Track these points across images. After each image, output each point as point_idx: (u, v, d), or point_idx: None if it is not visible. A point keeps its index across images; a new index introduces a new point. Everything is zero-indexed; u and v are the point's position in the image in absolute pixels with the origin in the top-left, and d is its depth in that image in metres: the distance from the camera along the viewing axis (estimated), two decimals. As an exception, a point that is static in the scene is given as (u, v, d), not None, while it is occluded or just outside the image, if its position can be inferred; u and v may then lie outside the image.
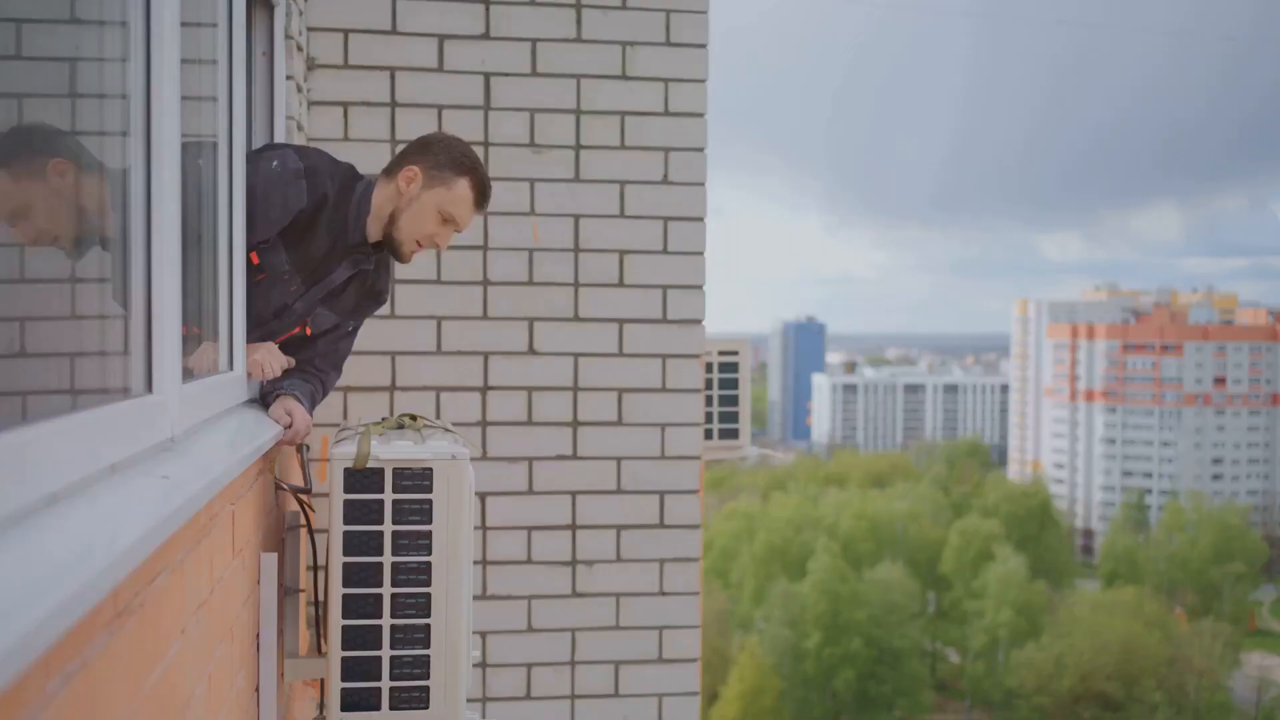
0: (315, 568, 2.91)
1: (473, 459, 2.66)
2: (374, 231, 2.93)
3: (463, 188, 2.91)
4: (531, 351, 4.13)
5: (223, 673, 2.06)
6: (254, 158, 2.80)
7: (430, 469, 2.53)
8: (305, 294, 2.90)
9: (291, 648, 2.80)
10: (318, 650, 2.88)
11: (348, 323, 3.06)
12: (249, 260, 2.75)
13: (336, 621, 2.53)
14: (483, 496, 4.07)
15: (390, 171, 2.96)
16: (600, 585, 4.17)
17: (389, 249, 2.96)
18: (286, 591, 2.76)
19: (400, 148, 4.01)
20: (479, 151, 4.07)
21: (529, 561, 4.12)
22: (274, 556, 2.56)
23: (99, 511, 1.29)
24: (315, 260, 2.89)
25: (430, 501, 2.53)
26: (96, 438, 1.42)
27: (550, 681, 4.15)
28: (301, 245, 2.85)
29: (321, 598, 2.74)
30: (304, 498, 2.88)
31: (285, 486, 2.89)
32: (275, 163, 2.78)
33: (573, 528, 4.15)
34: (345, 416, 3.93)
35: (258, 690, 2.52)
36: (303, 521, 2.87)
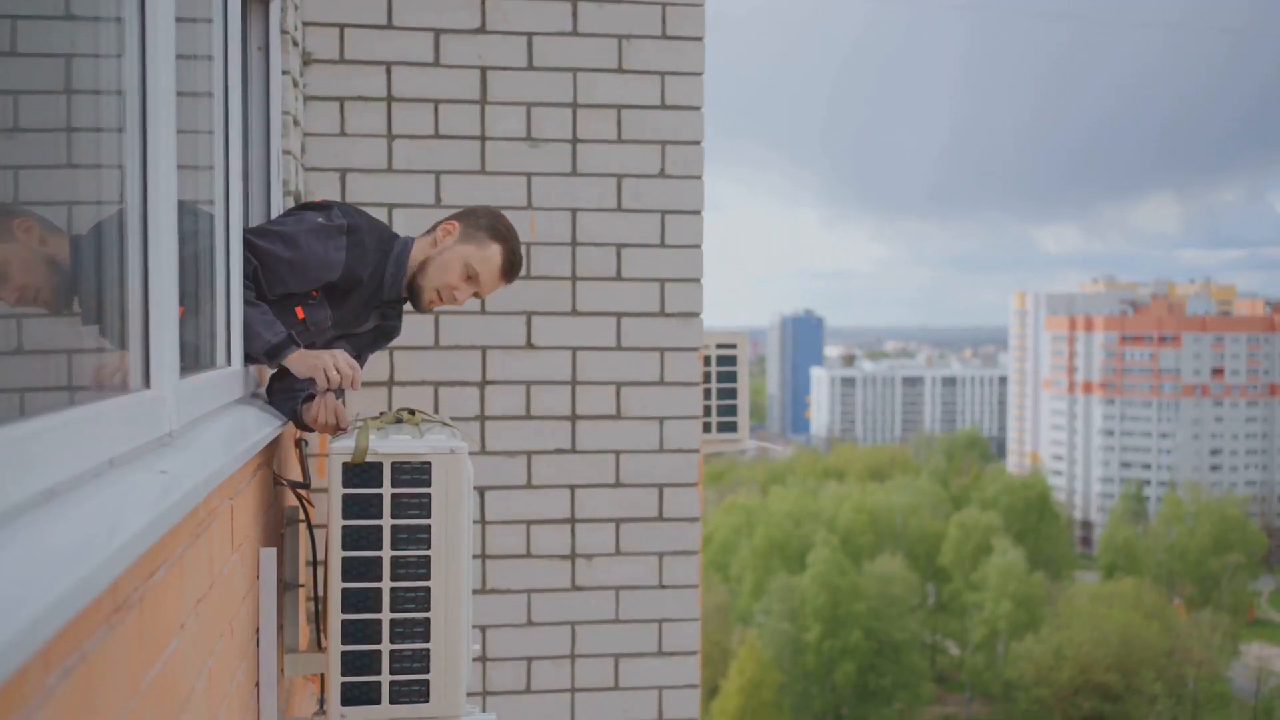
0: (315, 563, 2.91)
1: (471, 453, 2.66)
2: (405, 286, 3.05)
3: (494, 251, 3.02)
4: (529, 346, 4.13)
5: (222, 668, 2.06)
6: (299, 210, 2.94)
7: (429, 463, 2.53)
8: (332, 337, 3.05)
9: (291, 643, 2.81)
10: (318, 645, 2.88)
11: (364, 354, 3.21)
12: (294, 315, 2.86)
13: (336, 616, 2.53)
14: (482, 491, 4.07)
15: (430, 230, 3.09)
16: (599, 579, 4.18)
17: (410, 296, 3.06)
18: (286, 586, 2.76)
19: (396, 142, 4.02)
20: (474, 144, 4.07)
21: (528, 555, 4.13)
22: (273, 551, 2.56)
23: (97, 506, 1.29)
24: (352, 315, 3.03)
25: (429, 496, 2.53)
26: (95, 432, 1.42)
27: (550, 675, 4.15)
28: (345, 303, 2.98)
29: (321, 593, 2.75)
30: (303, 492, 2.88)
31: (284, 481, 2.89)
32: (320, 217, 2.88)
33: (572, 521, 4.16)
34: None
35: (258, 685, 2.52)
36: (302, 516, 2.87)
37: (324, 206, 2.97)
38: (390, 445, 2.53)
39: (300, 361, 2.74)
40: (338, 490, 2.50)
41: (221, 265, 2.48)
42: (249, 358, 2.75)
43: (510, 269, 3.07)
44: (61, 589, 1.01)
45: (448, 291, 3.01)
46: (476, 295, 3.08)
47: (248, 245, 2.73)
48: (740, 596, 56.29)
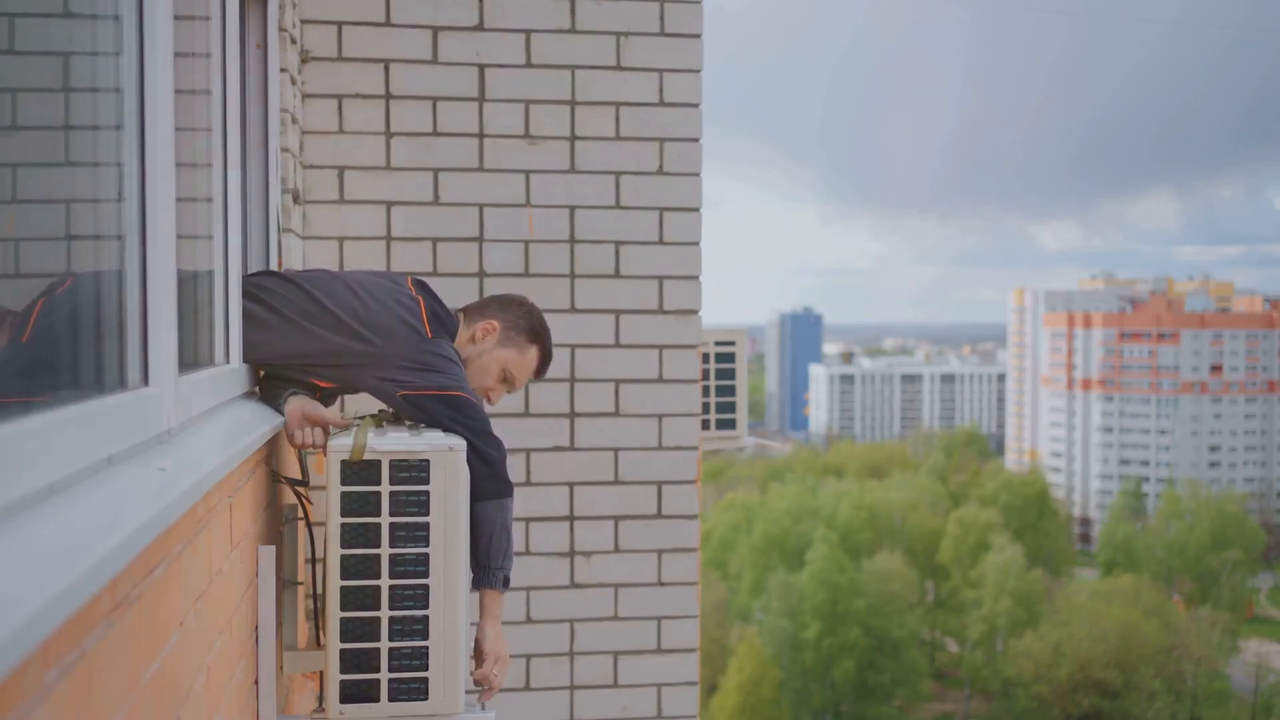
0: (314, 560, 2.91)
1: (470, 450, 2.67)
2: None
3: (532, 355, 3.07)
4: (528, 343, 4.12)
5: (222, 665, 2.07)
6: (444, 359, 2.80)
7: (427, 460, 2.53)
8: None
9: (290, 640, 2.81)
10: (317, 643, 2.88)
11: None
12: (317, 385, 2.84)
13: (334, 613, 2.53)
14: (480, 488, 4.07)
15: (469, 315, 3.08)
16: (598, 576, 4.18)
17: None
18: (285, 584, 2.76)
19: (395, 140, 4.02)
20: (473, 142, 4.07)
21: (527, 553, 4.13)
22: (272, 549, 2.56)
23: (96, 503, 1.29)
24: None
25: (427, 493, 2.53)
26: (94, 430, 1.43)
27: (549, 672, 4.16)
28: None
29: (320, 590, 2.75)
30: (302, 490, 2.88)
31: (283, 479, 2.89)
32: (455, 365, 2.83)
33: (570, 519, 4.16)
34: (344, 410, 3.93)
35: (257, 683, 2.52)
36: (300, 514, 2.87)
37: (448, 342, 2.89)
38: (388, 443, 2.53)
39: (494, 623, 2.81)
40: (336, 488, 2.51)
41: (220, 261, 2.48)
42: (483, 565, 2.76)
43: (543, 367, 3.13)
44: (60, 586, 1.01)
45: (482, 393, 3.03)
46: (509, 391, 3.12)
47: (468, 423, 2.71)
48: (739, 594, 56.34)
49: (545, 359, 3.11)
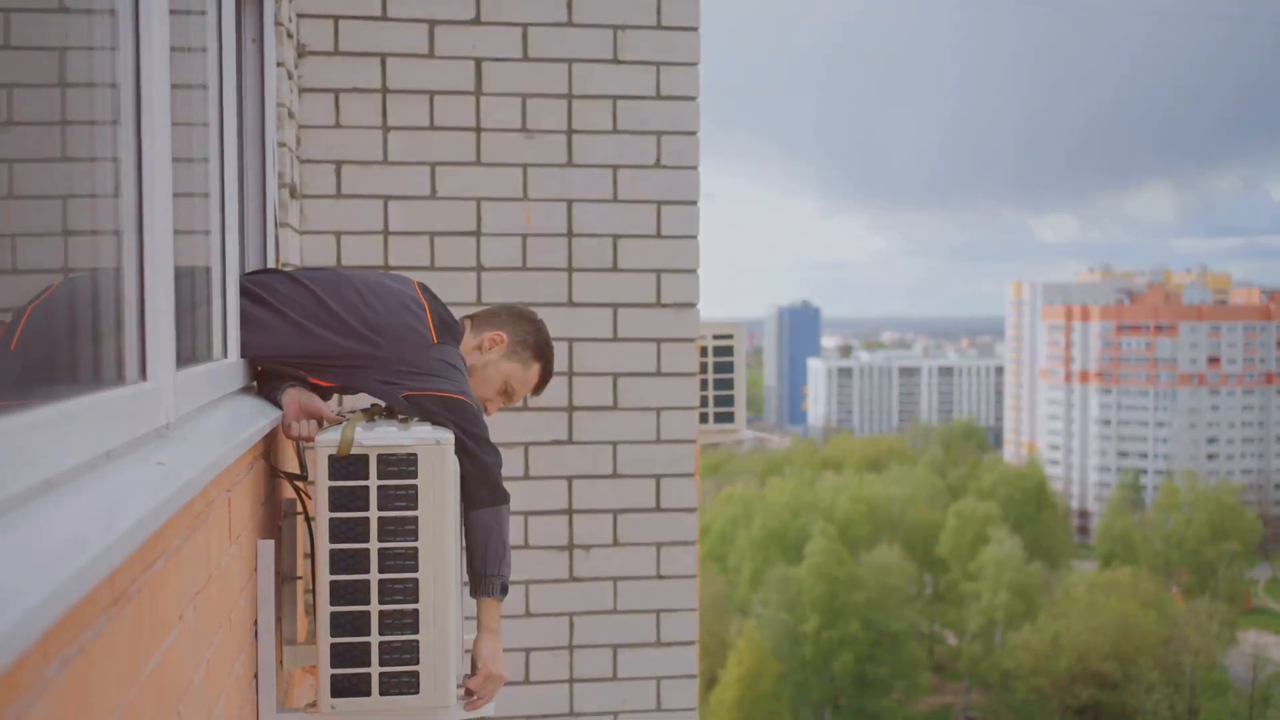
0: (312, 555, 2.91)
1: (467, 445, 2.67)
2: None
3: (534, 371, 3.10)
4: (526, 337, 4.12)
5: (221, 659, 2.07)
6: (449, 365, 2.80)
7: (414, 454, 2.53)
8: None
9: (290, 635, 2.81)
10: (315, 637, 2.88)
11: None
12: (317, 384, 2.81)
13: (324, 608, 2.53)
14: (479, 482, 4.07)
15: (477, 324, 3.08)
16: (597, 569, 4.19)
17: None
18: (284, 579, 2.76)
19: (392, 134, 4.02)
20: (470, 136, 4.07)
21: (526, 546, 4.13)
22: (271, 543, 2.56)
23: (95, 497, 1.29)
24: None
25: (415, 487, 2.53)
26: (92, 424, 1.43)
27: (548, 665, 4.16)
28: None
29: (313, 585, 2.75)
30: (300, 484, 2.88)
31: (281, 473, 2.89)
32: (459, 368, 2.84)
33: (569, 512, 4.16)
34: (341, 404, 3.93)
35: (256, 677, 2.53)
36: (299, 509, 2.87)
37: (457, 351, 2.90)
38: (375, 437, 2.53)
39: (491, 638, 2.79)
40: (324, 483, 2.51)
41: (217, 256, 2.48)
42: (479, 573, 2.75)
43: (543, 385, 3.14)
44: (59, 580, 1.01)
45: (481, 402, 3.00)
46: (506, 404, 3.13)
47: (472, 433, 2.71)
48: (738, 587, 56.37)
49: (546, 377, 3.13)
